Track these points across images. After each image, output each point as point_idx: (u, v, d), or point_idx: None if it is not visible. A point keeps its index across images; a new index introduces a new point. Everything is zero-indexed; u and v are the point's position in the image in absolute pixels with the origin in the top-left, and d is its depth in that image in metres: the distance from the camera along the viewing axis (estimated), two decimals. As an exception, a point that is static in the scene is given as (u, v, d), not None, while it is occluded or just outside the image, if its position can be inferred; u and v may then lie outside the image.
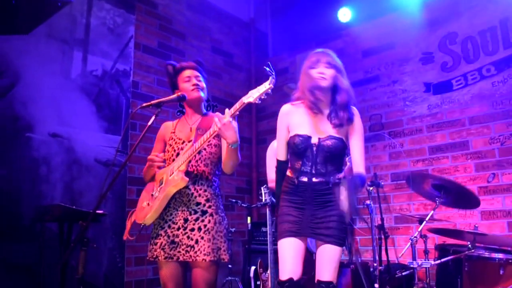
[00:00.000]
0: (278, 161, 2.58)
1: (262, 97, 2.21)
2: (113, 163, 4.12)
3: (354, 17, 5.57)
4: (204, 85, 2.74)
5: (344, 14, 5.59)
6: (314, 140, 2.41)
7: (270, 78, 2.17)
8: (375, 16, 5.37)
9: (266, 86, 2.18)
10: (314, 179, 2.41)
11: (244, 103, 2.25)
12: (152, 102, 2.47)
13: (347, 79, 2.47)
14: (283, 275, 2.36)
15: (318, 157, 2.41)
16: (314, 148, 2.41)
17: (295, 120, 2.49)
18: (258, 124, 6.32)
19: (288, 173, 2.53)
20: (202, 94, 2.69)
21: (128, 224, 2.75)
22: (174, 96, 2.57)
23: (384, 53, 5.29)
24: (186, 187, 2.50)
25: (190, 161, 2.50)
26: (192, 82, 2.67)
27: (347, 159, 4.27)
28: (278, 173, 2.59)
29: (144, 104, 2.49)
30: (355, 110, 2.49)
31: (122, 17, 4.71)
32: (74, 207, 3.27)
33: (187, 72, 2.70)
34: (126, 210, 4.39)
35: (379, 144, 5.17)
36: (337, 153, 2.43)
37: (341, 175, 2.47)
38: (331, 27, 5.75)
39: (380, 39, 5.33)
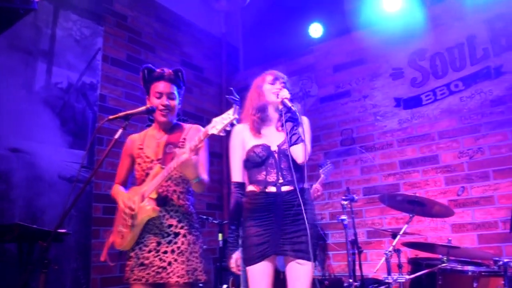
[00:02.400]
0: (234, 184, 2.52)
1: (227, 128, 2.08)
2: (77, 179, 3.95)
3: (325, 33, 5.62)
4: (176, 103, 2.60)
5: (315, 30, 5.64)
6: (274, 148, 2.42)
7: (234, 106, 2.05)
8: (346, 32, 5.43)
9: (230, 116, 2.05)
10: (283, 188, 2.35)
11: (208, 134, 2.13)
12: (120, 114, 2.35)
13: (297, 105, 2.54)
14: None
15: (282, 163, 2.38)
16: (276, 155, 2.40)
17: (249, 136, 2.49)
18: (228, 139, 6.22)
19: (251, 188, 2.45)
20: (167, 118, 2.57)
21: (107, 246, 2.63)
22: (143, 108, 2.46)
23: (355, 69, 5.33)
24: (159, 209, 2.41)
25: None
26: (162, 102, 2.53)
27: (320, 171, 4.25)
28: (234, 197, 2.51)
29: (111, 117, 2.37)
30: (304, 118, 2.51)
31: (90, 29, 4.57)
32: (35, 226, 3.08)
33: (161, 86, 2.56)
34: (91, 229, 4.21)
35: (351, 158, 5.17)
36: None
37: (306, 184, 2.40)
38: (302, 42, 5.78)
39: (351, 54, 5.38)
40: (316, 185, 3.91)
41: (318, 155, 5.42)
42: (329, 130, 5.42)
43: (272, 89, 2.47)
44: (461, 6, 4.62)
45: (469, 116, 4.46)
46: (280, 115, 2.45)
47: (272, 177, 2.38)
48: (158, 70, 2.61)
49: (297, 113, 2.39)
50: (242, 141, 2.51)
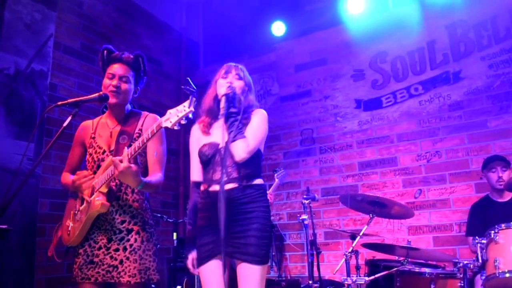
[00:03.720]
0: (193, 183, 2.42)
1: (182, 122, 1.95)
2: (18, 171, 3.66)
3: (287, 32, 5.56)
4: (128, 87, 2.43)
5: (278, 28, 5.57)
6: (222, 145, 2.27)
7: (191, 98, 1.93)
8: (308, 31, 5.40)
9: (186, 109, 1.92)
10: (226, 186, 2.19)
11: (161, 127, 1.99)
12: (69, 100, 2.16)
13: (254, 95, 2.46)
14: None
15: (228, 160, 2.23)
16: (222, 151, 2.25)
17: (201, 135, 2.39)
18: (186, 136, 6.05)
19: (202, 187, 2.35)
20: (117, 99, 2.40)
21: (54, 240, 2.48)
22: (96, 95, 2.28)
23: (316, 69, 5.31)
24: (109, 205, 2.25)
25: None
26: (111, 84, 2.37)
27: (275, 175, 4.21)
28: (192, 196, 2.40)
29: (59, 103, 2.17)
30: (258, 111, 2.38)
31: (41, 13, 4.29)
32: (-28, 221, 2.82)
33: (115, 68, 2.41)
34: (37, 226, 3.94)
35: (310, 159, 5.13)
36: None
37: (258, 180, 2.28)
38: (264, 40, 5.70)
39: (313, 54, 5.35)
40: (269, 191, 3.83)
41: (278, 154, 5.35)
42: (289, 130, 5.36)
43: (223, 83, 2.35)
44: (423, 11, 4.68)
45: (427, 119, 4.52)
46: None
47: (217, 175, 2.24)
48: (117, 52, 2.46)
49: (235, 107, 2.24)
50: (198, 139, 2.40)
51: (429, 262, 3.54)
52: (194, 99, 1.93)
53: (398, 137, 4.65)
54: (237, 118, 2.22)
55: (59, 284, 4.04)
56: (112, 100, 2.38)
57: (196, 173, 2.41)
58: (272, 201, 4.10)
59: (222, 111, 2.30)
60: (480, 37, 4.36)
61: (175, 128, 1.97)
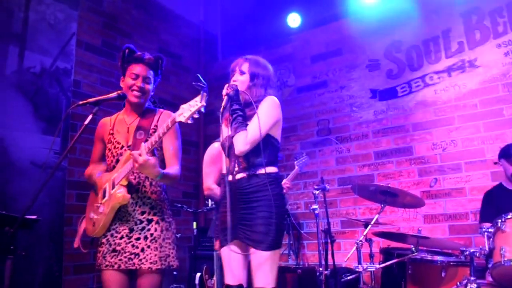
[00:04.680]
0: (221, 175, 2.62)
1: (195, 116, 2.06)
2: (46, 165, 3.85)
3: (303, 23, 5.60)
4: (150, 88, 2.58)
5: (294, 20, 5.62)
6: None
7: (202, 93, 2.03)
8: (323, 22, 5.44)
9: (198, 103, 2.03)
10: (237, 176, 2.37)
11: (175, 122, 2.12)
12: (90, 100, 2.31)
13: (267, 82, 2.51)
14: (225, 281, 2.40)
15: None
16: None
17: (223, 129, 2.49)
18: (206, 128, 6.21)
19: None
20: (139, 100, 2.54)
21: (79, 231, 2.63)
22: (114, 94, 2.41)
23: (332, 59, 5.35)
24: (130, 197, 2.40)
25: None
26: (137, 83, 2.51)
27: (295, 162, 4.26)
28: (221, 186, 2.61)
29: (81, 102, 2.32)
30: (267, 98, 2.44)
31: (64, 13, 4.47)
32: (4, 212, 3.02)
33: (138, 69, 2.53)
34: (64, 216, 4.16)
35: (326, 149, 5.20)
36: None
37: (269, 169, 2.35)
38: (280, 32, 5.76)
39: (329, 45, 5.39)
40: (285, 181, 3.90)
41: (295, 145, 5.44)
42: (306, 120, 5.43)
43: (231, 81, 2.50)
44: (438, -1, 4.67)
45: (443, 108, 4.53)
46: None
47: (231, 166, 2.41)
48: (139, 52, 2.59)
49: (238, 103, 2.39)
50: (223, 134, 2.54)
51: (445, 250, 3.60)
52: (205, 94, 2.04)
53: (413, 126, 4.67)
54: (239, 114, 2.35)
55: (86, 271, 4.25)
56: (135, 100, 2.53)
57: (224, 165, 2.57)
58: (286, 190, 4.14)
59: (222, 104, 2.41)
60: (495, 24, 4.34)
61: (189, 122, 2.09)
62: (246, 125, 2.34)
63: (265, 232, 2.25)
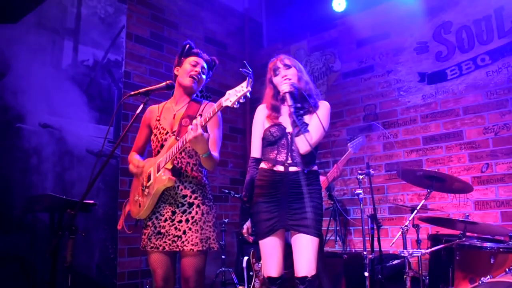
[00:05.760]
0: (252, 159, 2.66)
1: (241, 101, 2.13)
2: (101, 153, 4.06)
3: (348, 7, 5.52)
4: (204, 79, 2.74)
5: (339, 4, 5.53)
6: (289, 130, 2.54)
7: (248, 79, 2.10)
8: (369, 5, 5.33)
9: (244, 89, 2.11)
10: (290, 169, 2.49)
11: (222, 106, 2.19)
12: (140, 90, 2.44)
13: (306, 74, 2.67)
14: (266, 273, 2.50)
15: (294, 146, 2.50)
16: (289, 137, 2.52)
17: (266, 120, 2.62)
18: (252, 115, 6.26)
19: (263, 165, 2.59)
20: (194, 85, 2.68)
21: (123, 214, 2.78)
22: (163, 84, 2.53)
23: (378, 43, 5.25)
24: (175, 179, 2.51)
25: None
26: (194, 70, 2.66)
27: (348, 144, 4.19)
28: (250, 171, 2.64)
29: (132, 93, 2.47)
30: (322, 103, 2.61)
31: (114, 7, 4.65)
32: (64, 197, 3.24)
33: (199, 59, 2.71)
34: (118, 201, 4.37)
35: (373, 134, 5.15)
36: None
37: (315, 167, 2.57)
38: (325, 17, 5.71)
39: (375, 28, 5.30)
40: (337, 165, 3.90)
41: (341, 130, 5.41)
42: (352, 106, 5.39)
43: (280, 80, 2.57)
44: (490, -23, 4.47)
45: (495, 91, 4.36)
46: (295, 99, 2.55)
47: (281, 157, 2.51)
48: (197, 49, 2.76)
49: (299, 102, 2.53)
50: (263, 119, 2.64)
51: (496, 237, 3.51)
52: (250, 80, 2.11)
53: (464, 110, 4.53)
54: (300, 113, 2.49)
55: (139, 254, 4.47)
56: (190, 83, 2.66)
57: (256, 150, 2.66)
58: (336, 175, 4.13)
59: (288, 103, 2.50)
60: (553, 2, 4.12)
61: (235, 106, 2.16)
62: (307, 124, 2.49)
63: (315, 220, 2.43)
